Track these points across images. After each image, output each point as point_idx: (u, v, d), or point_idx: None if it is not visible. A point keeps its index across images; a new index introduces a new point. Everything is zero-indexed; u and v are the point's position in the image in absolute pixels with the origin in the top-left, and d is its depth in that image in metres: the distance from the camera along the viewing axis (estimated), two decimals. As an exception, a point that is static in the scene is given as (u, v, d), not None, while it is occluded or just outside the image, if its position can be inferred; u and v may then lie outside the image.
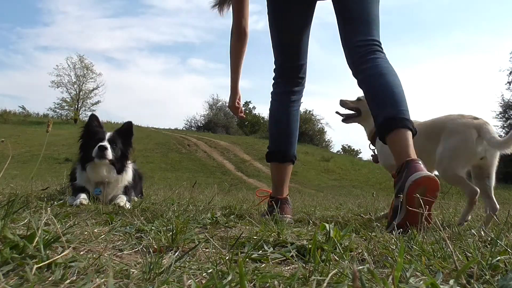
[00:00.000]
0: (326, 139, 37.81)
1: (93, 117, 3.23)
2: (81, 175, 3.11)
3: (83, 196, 2.92)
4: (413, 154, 1.94)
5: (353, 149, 46.28)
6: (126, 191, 3.28)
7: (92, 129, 3.14)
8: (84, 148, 3.11)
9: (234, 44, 2.83)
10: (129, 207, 2.94)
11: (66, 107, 41.73)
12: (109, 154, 3.01)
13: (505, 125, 28.07)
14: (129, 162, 3.28)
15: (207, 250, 1.29)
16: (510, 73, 29.22)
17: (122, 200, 3.39)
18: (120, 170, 3.16)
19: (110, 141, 3.08)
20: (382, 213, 2.84)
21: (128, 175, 3.26)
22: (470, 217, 2.52)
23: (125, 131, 3.24)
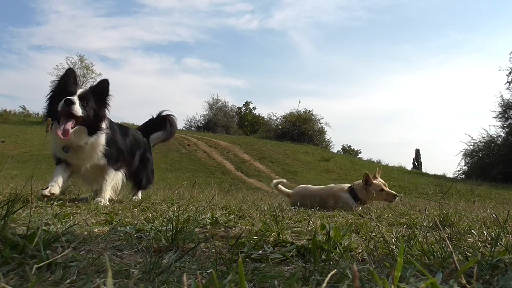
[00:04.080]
0: (326, 139, 37.79)
1: (70, 72, 2.86)
2: (51, 137, 2.79)
3: (52, 182, 2.63)
4: None
5: (353, 149, 46.30)
6: (110, 159, 2.88)
7: (65, 83, 2.75)
8: (51, 103, 2.73)
9: None
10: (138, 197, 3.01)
11: (66, 107, 41.74)
12: (77, 109, 2.60)
13: (505, 125, 28.04)
14: (105, 125, 2.86)
15: (207, 250, 1.29)
16: (509, 73, 29.22)
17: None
18: (93, 131, 2.74)
19: (81, 97, 2.67)
20: None
21: (102, 140, 2.84)
22: None
23: (100, 90, 2.85)
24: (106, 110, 2.86)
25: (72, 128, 2.63)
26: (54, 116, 2.66)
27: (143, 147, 3.56)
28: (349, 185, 4.30)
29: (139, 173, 3.52)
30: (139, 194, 3.62)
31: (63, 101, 2.57)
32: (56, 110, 2.62)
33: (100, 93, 2.83)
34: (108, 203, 2.66)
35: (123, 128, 3.39)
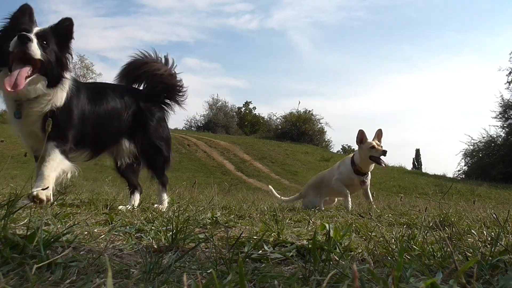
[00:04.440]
0: (326, 139, 37.81)
1: (26, 9, 2.22)
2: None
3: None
4: None
5: (353, 149, 46.30)
6: (56, 133, 2.09)
7: (18, 20, 2.17)
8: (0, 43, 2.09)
9: None
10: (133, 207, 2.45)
11: (66, 107, 41.79)
12: (35, 50, 2.04)
13: (505, 125, 28.03)
14: (67, 75, 2.27)
15: (207, 250, 1.29)
16: (509, 73, 29.20)
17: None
18: (53, 82, 2.15)
19: (39, 36, 2.12)
20: None
21: (62, 94, 2.22)
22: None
23: (63, 30, 2.26)
24: (70, 57, 2.27)
25: (28, 77, 2.03)
26: (2, 61, 2.06)
27: (147, 121, 2.70)
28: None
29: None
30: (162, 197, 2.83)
31: (16, 37, 1.97)
32: (6, 52, 2.01)
33: (62, 34, 2.22)
34: (43, 197, 1.98)
35: (100, 87, 2.66)
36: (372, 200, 4.19)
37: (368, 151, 3.96)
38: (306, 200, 4.33)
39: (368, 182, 4.15)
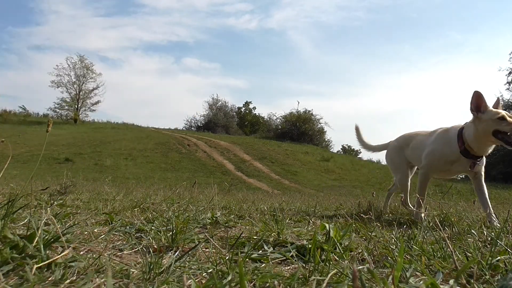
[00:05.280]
0: (326, 139, 37.80)
1: None
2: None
3: None
4: None
5: (353, 149, 46.27)
6: None
7: None
8: None
9: None
10: None
11: (66, 107, 41.72)
12: None
13: (505, 125, 28.01)
14: None
15: (207, 250, 1.29)
16: (509, 74, 29.17)
17: None
18: None
19: None
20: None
21: None
22: None
23: None
24: None
25: None
26: None
27: None
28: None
29: None
30: None
31: None
32: None
33: None
34: None
35: None
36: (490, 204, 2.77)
37: (494, 123, 2.58)
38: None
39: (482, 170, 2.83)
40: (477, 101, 2.69)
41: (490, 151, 2.78)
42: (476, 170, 2.76)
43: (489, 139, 2.64)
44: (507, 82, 28.14)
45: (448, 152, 2.78)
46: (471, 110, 2.71)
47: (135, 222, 1.72)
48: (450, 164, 2.81)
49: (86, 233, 1.40)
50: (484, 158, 2.82)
